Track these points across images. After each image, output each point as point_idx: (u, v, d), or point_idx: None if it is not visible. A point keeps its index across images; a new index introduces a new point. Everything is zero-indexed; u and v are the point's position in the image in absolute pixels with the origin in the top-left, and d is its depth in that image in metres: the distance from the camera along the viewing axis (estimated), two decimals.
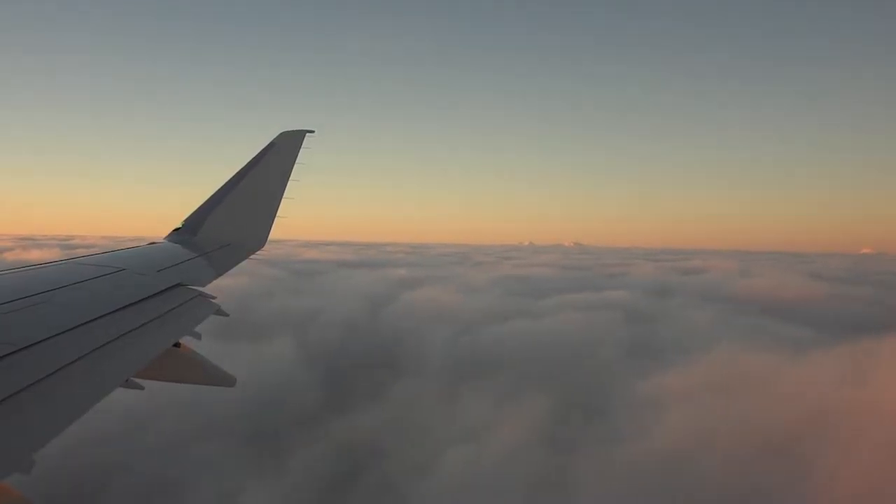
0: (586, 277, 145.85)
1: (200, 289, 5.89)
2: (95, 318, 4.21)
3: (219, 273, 6.84)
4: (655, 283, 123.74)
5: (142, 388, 4.22)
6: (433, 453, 38.82)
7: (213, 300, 5.73)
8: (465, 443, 40.02)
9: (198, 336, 5.05)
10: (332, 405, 51.05)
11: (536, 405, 45.60)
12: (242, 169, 9.30)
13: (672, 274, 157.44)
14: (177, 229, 8.29)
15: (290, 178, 9.24)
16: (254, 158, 9.51)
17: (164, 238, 8.09)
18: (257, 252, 8.27)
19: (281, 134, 10.03)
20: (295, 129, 10.14)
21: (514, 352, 62.94)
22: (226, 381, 5.14)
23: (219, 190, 8.97)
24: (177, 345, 4.75)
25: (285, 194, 9.00)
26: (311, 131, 10.08)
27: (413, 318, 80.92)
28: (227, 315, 5.81)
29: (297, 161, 9.52)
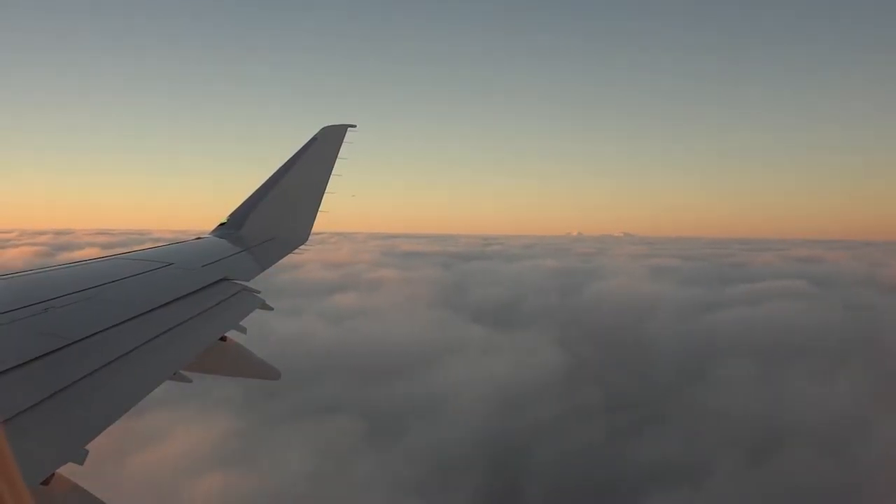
0: (721, 267, 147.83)
1: (245, 283, 5.96)
2: (144, 313, 4.33)
3: (263, 267, 6.82)
4: (807, 273, 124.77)
5: (190, 380, 4.23)
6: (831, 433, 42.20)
7: (258, 294, 5.79)
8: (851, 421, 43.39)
9: (243, 330, 5.08)
10: (641, 388, 54.49)
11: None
12: (285, 164, 9.42)
13: (800, 264, 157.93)
14: (222, 224, 8.40)
15: (333, 172, 9.32)
16: (296, 153, 9.63)
17: (210, 233, 8.24)
18: (300, 246, 8.30)
19: (323, 129, 10.10)
20: (337, 123, 10.23)
21: (773, 337, 65.87)
22: (270, 374, 5.08)
23: (262, 185, 9.10)
24: (223, 338, 4.77)
25: (327, 189, 9.08)
26: (353, 126, 10.12)
27: (628, 306, 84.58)
28: (271, 309, 5.78)
29: (338, 156, 9.60)
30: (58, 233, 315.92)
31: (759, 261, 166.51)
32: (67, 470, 2.69)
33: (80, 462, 2.64)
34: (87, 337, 3.64)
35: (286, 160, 9.47)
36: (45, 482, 2.62)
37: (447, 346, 57.51)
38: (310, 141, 9.83)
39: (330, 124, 10.17)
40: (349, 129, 10.04)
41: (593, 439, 44.40)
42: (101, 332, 3.78)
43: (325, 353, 52.37)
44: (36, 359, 3.23)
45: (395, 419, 43.15)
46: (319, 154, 9.60)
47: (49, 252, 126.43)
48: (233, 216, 8.51)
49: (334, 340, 57.50)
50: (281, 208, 8.73)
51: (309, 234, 8.59)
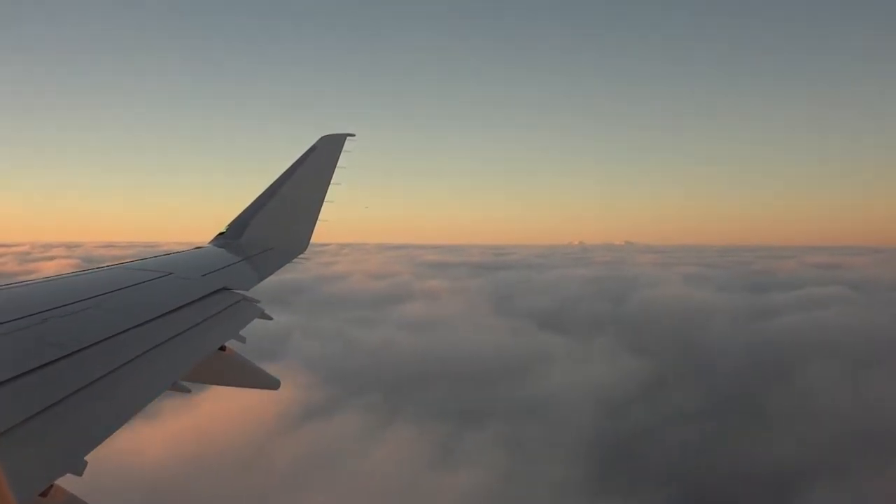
0: (748, 274, 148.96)
1: (245, 293, 6.00)
2: (143, 323, 4.33)
3: (262, 277, 6.88)
4: (841, 279, 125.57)
5: (188, 390, 4.23)
6: None
7: (258, 304, 5.85)
8: None
9: (242, 339, 5.11)
10: (733, 392, 54.97)
11: None
12: (284, 173, 9.45)
13: (825, 270, 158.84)
14: (221, 233, 8.38)
15: (332, 181, 9.35)
16: (295, 162, 9.66)
17: (209, 242, 8.20)
18: (299, 256, 8.31)
19: (322, 138, 10.17)
20: (336, 132, 10.31)
21: (845, 341, 66.35)
22: (270, 383, 5.12)
23: (262, 194, 9.12)
24: (222, 348, 4.80)
25: (326, 198, 9.10)
26: (352, 135, 10.21)
27: (684, 312, 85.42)
28: (270, 318, 5.83)
29: (338, 164, 9.64)
30: (68, 245, 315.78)
31: (781, 268, 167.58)
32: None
33: (79, 473, 2.60)
34: (86, 347, 3.63)
35: (285, 169, 9.54)
36: (44, 494, 2.62)
37: (533, 353, 58.20)
38: (309, 150, 9.89)
39: (329, 133, 10.27)
40: (348, 137, 10.13)
41: (703, 442, 44.94)
42: (99, 342, 3.77)
43: (423, 360, 52.93)
44: (34, 369, 3.20)
45: (522, 423, 43.67)
46: (318, 163, 9.66)
47: (84, 265, 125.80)
48: (232, 225, 8.51)
49: (425, 348, 58.09)
50: (280, 218, 8.74)
51: (308, 243, 8.54)
